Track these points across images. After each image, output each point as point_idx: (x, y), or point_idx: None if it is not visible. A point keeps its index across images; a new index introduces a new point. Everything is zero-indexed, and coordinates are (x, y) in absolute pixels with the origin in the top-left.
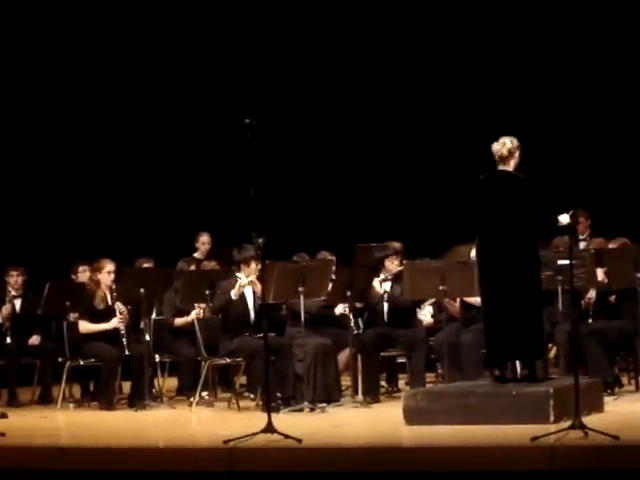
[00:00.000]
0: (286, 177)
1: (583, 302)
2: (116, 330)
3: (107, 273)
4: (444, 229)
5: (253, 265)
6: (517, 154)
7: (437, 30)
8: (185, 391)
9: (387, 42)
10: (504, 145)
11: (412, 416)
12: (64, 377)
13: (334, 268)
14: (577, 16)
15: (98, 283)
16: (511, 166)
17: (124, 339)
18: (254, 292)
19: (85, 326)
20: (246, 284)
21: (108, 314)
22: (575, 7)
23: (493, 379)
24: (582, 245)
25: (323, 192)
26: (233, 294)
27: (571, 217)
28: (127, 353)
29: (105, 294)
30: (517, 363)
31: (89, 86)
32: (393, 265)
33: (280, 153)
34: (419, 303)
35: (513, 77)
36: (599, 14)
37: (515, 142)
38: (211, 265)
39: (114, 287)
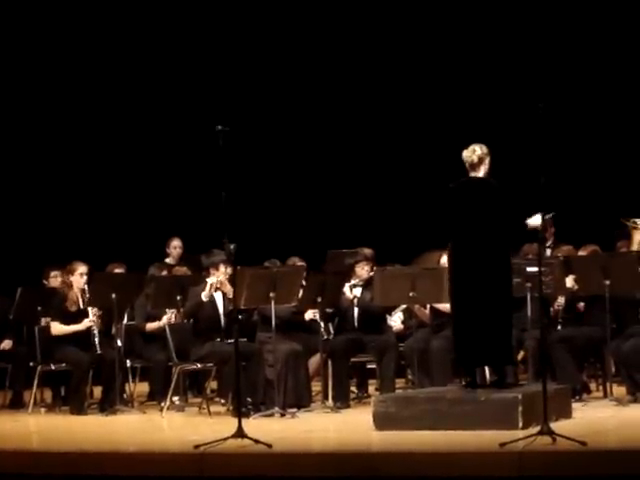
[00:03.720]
0: (257, 183)
1: (552, 309)
2: (87, 334)
3: (79, 275)
4: (415, 236)
5: (222, 269)
6: (487, 160)
7: (409, 38)
8: (156, 396)
9: (358, 50)
10: (474, 152)
11: (382, 421)
12: (35, 382)
13: (305, 274)
14: (547, 24)
15: (71, 285)
16: (482, 172)
17: (96, 339)
18: (224, 296)
19: (57, 328)
20: (216, 284)
21: (80, 317)
22: (545, 16)
23: (463, 385)
24: (547, 252)
25: (294, 198)
26: (204, 295)
27: (543, 220)
28: (99, 352)
29: (77, 297)
30: (486, 369)
31: (60, 93)
32: (364, 271)
33: (252, 159)
34: (389, 309)
35: (484, 84)
36: (569, 23)
37: (484, 148)
38: (182, 270)
39: (86, 290)
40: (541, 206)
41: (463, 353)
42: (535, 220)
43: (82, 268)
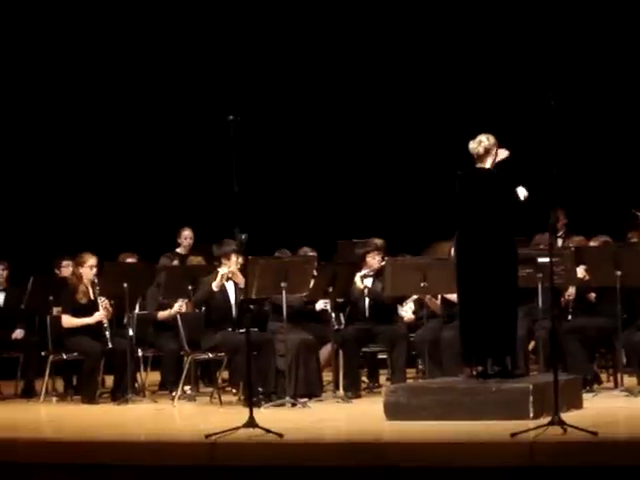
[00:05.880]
0: (269, 173)
1: (563, 299)
2: (99, 324)
3: (89, 267)
4: (426, 226)
5: (234, 258)
6: (494, 151)
7: (418, 29)
8: (167, 385)
9: (368, 41)
10: (480, 143)
11: (393, 411)
12: (47, 371)
13: (316, 264)
14: (558, 16)
15: (80, 277)
16: (488, 163)
17: (107, 332)
18: (236, 286)
19: (68, 320)
20: (227, 274)
21: (90, 308)
22: (556, 7)
23: (474, 375)
24: (559, 243)
25: (305, 188)
26: (214, 285)
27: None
28: (110, 346)
29: (87, 288)
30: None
31: (71, 83)
32: (374, 261)
33: (263, 149)
34: (400, 299)
35: (495, 76)
36: (580, 14)
37: (492, 139)
38: (197, 260)
39: (96, 281)
40: (551, 199)
41: (470, 343)
42: (521, 191)
43: (91, 260)
